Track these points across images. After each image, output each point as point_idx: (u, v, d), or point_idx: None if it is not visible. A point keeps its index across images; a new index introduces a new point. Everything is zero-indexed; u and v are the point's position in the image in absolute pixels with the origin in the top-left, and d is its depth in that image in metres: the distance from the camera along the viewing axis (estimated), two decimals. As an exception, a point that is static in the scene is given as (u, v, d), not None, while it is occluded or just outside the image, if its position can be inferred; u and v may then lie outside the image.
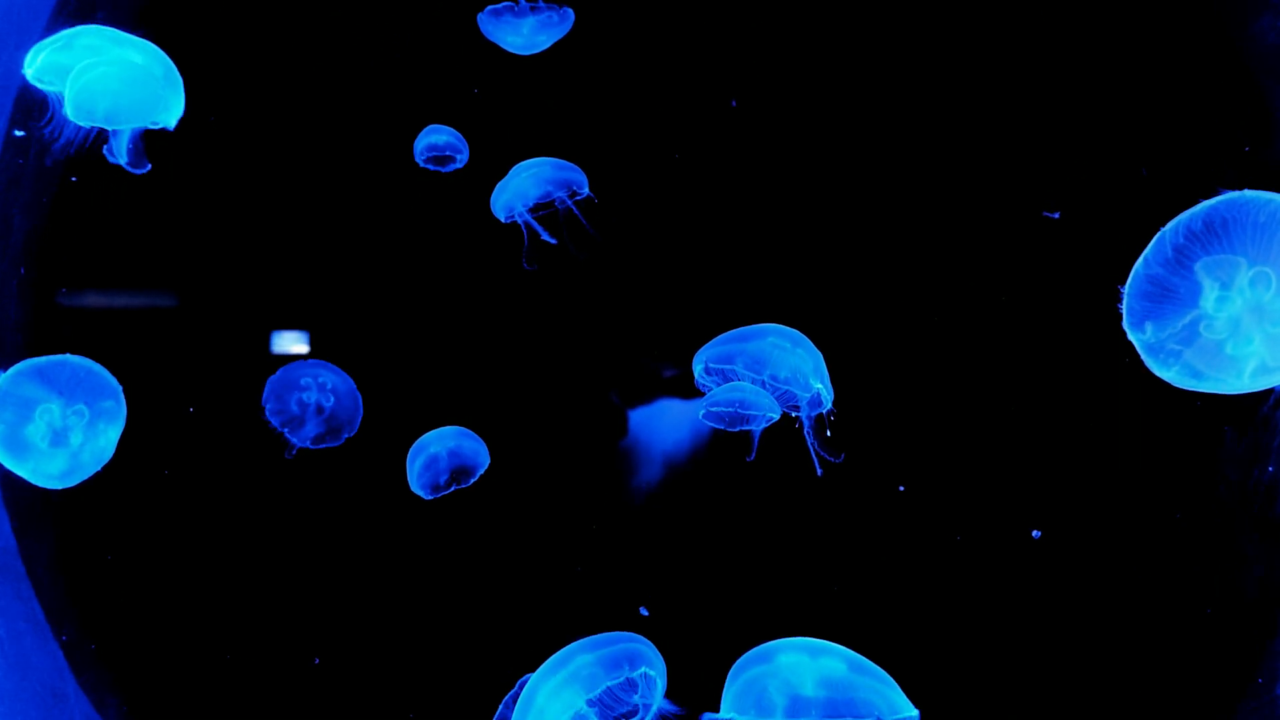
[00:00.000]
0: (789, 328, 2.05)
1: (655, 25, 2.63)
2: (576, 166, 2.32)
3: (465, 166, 2.48)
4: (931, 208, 2.62)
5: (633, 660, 2.07)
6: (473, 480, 2.39)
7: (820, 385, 1.96)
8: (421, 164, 2.43)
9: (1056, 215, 2.47)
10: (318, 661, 2.62)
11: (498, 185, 2.30)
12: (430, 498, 2.35)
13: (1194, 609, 2.46)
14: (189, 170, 2.67)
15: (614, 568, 2.64)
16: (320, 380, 2.54)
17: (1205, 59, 2.60)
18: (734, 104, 2.59)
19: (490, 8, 2.42)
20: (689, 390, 2.37)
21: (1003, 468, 2.58)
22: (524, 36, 2.39)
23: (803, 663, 2.02)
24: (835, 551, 2.58)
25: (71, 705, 2.49)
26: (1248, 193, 1.65)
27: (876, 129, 2.65)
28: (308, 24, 2.67)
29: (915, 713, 1.94)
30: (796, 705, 1.98)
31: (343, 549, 2.64)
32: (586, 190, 2.31)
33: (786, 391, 2.00)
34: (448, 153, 2.42)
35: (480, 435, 2.52)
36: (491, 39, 2.43)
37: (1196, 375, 1.75)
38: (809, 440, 2.00)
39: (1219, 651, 2.57)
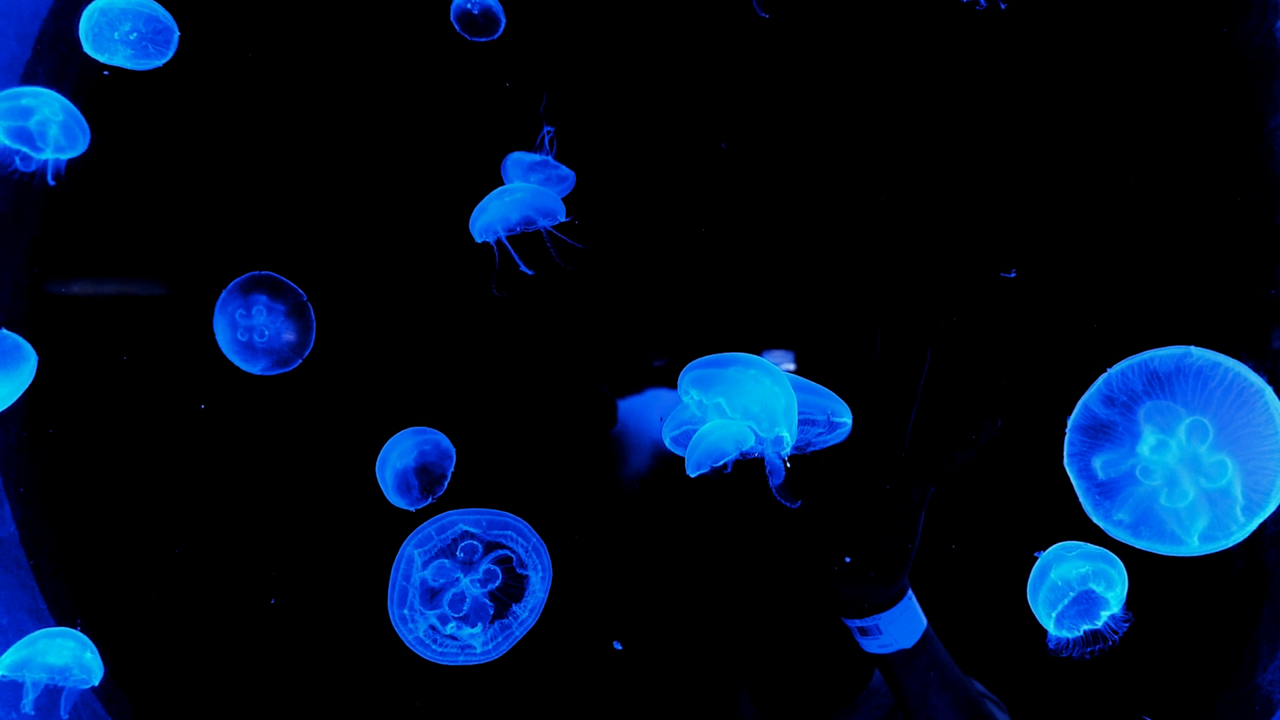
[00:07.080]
0: (767, 361, 2.07)
1: (650, 66, 2.65)
2: (555, 194, 2.34)
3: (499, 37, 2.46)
4: (916, 215, 2.64)
5: (493, 525, 2.10)
6: (445, 485, 2.41)
7: (785, 428, 1.96)
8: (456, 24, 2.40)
9: (1013, 274, 2.48)
10: (266, 629, 2.66)
11: (476, 207, 2.31)
12: (414, 508, 2.39)
13: (1175, 601, 2.50)
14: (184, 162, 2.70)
15: (604, 552, 2.70)
16: (254, 313, 2.55)
17: (1191, 58, 2.57)
18: (724, 146, 2.60)
19: (518, 153, 2.44)
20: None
21: (987, 464, 2.61)
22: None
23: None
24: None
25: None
26: (1194, 349, 1.69)
27: (870, 130, 2.66)
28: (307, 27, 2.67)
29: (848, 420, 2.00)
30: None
31: (350, 544, 2.67)
32: (564, 217, 2.32)
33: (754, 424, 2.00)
34: (479, 18, 2.39)
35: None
36: (503, 174, 2.46)
37: (1134, 528, 1.79)
38: (771, 481, 2.03)
39: (1200, 642, 2.63)
